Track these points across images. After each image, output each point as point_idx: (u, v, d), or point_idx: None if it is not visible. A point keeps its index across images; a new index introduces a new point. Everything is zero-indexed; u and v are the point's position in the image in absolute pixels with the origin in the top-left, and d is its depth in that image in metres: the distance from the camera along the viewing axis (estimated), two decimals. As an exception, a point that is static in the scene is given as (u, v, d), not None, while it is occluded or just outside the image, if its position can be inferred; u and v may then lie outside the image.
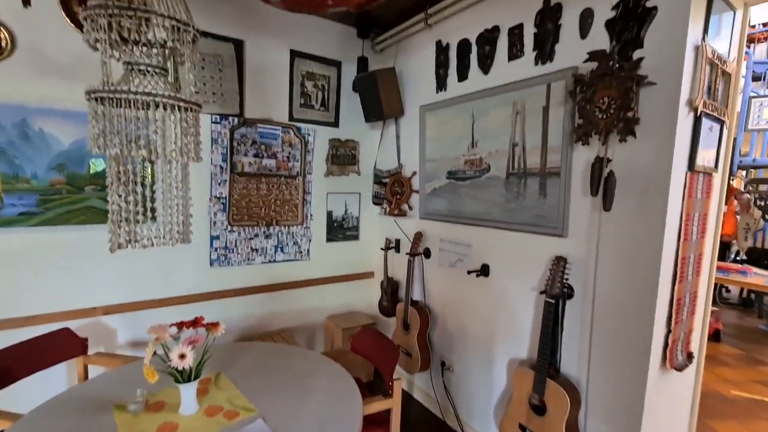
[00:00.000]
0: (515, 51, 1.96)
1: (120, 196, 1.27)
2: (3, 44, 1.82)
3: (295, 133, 2.71)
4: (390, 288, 2.89)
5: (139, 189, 1.28)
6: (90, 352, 1.97)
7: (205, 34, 2.29)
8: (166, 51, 1.37)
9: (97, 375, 1.63)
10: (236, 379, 1.57)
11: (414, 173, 2.71)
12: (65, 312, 2.08)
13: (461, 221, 2.34)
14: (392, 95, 2.65)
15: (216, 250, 2.52)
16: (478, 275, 2.22)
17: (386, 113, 2.64)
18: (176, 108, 1.26)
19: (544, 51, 1.81)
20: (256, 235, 2.66)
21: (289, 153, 2.71)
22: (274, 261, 2.74)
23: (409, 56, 2.70)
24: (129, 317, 2.26)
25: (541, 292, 1.73)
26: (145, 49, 1.30)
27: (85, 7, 1.11)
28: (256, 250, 2.67)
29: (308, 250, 2.87)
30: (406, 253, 2.64)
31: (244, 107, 2.50)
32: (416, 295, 2.72)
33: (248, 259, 2.64)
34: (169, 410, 1.34)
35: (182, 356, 1.24)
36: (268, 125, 2.59)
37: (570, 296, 1.74)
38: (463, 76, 2.28)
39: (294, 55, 2.64)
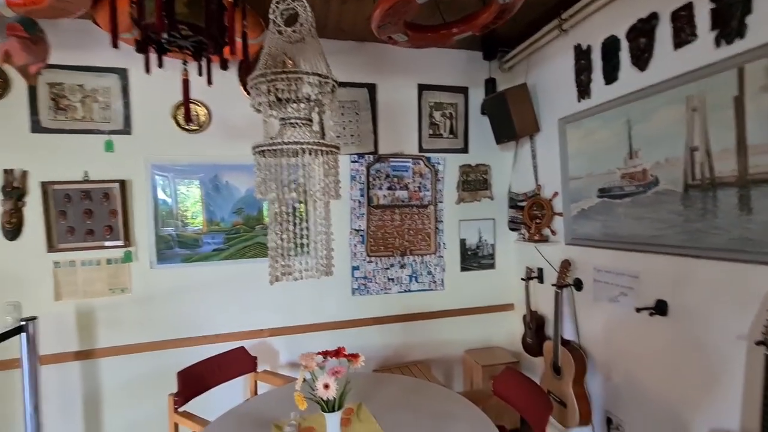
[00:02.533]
0: (684, 36, 1.60)
1: (277, 234, 1.44)
2: (203, 119, 2.35)
3: (425, 164, 2.75)
4: (534, 323, 2.58)
5: (291, 227, 1.43)
6: (259, 369, 2.26)
7: (343, 84, 2.55)
8: (311, 104, 1.55)
9: (262, 393, 1.84)
10: (376, 412, 1.57)
11: (555, 194, 2.42)
12: (240, 332, 2.46)
13: (622, 247, 1.95)
14: (525, 112, 2.47)
15: (357, 279, 2.67)
16: (651, 314, 1.79)
17: (519, 132, 2.46)
18: (319, 152, 1.39)
19: (729, 27, 1.43)
20: (392, 265, 2.73)
21: (420, 183, 2.75)
22: (409, 290, 2.75)
23: (542, 68, 2.49)
24: (288, 339, 2.54)
25: (758, 343, 1.28)
26: (294, 105, 1.49)
27: (250, 78, 1.33)
28: (393, 280, 2.74)
29: (442, 280, 2.81)
30: (552, 284, 2.33)
31: (378, 144, 2.66)
32: (567, 334, 2.36)
33: (385, 288, 2.72)
34: (317, 436, 1.41)
35: (326, 386, 1.29)
36: (399, 158, 2.69)
37: (810, 351, 1.24)
38: (611, 78, 1.97)
39: (421, 88, 2.72)
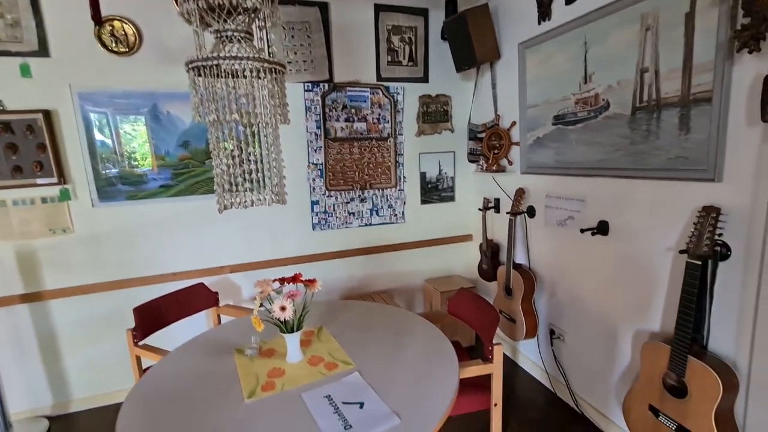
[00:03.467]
0: (645, -52, 1.53)
1: (222, 160, 1.36)
2: (132, 39, 2.09)
3: (383, 93, 2.64)
4: (490, 251, 2.71)
5: (237, 153, 1.35)
6: (221, 304, 2.27)
7: (290, 1, 2.31)
8: (250, 15, 1.40)
9: (223, 324, 1.86)
10: (337, 333, 1.63)
11: (513, 123, 2.42)
12: (200, 270, 2.42)
13: (572, 173, 2.02)
14: (486, 37, 2.37)
15: (317, 214, 2.65)
16: (594, 234, 1.92)
17: (479, 58, 2.38)
18: (262, 71, 1.28)
19: (690, -62, 1.37)
20: (352, 199, 2.72)
21: (379, 114, 2.66)
22: (371, 224, 2.78)
23: (505, -12, 2.36)
24: (250, 275, 2.54)
25: (681, 252, 1.40)
26: (230, 17, 1.33)
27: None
28: (353, 214, 2.74)
29: (403, 213, 2.85)
30: (507, 213, 2.42)
31: (333, 72, 2.51)
32: (519, 258, 2.51)
33: (346, 222, 2.73)
34: (278, 357, 1.46)
35: (282, 308, 1.31)
36: (356, 87, 2.57)
37: (724, 257, 1.38)
38: (573, -4, 1.90)
39: (378, 9, 2.52)
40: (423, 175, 2.87)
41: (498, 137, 2.54)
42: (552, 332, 2.31)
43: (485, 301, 1.75)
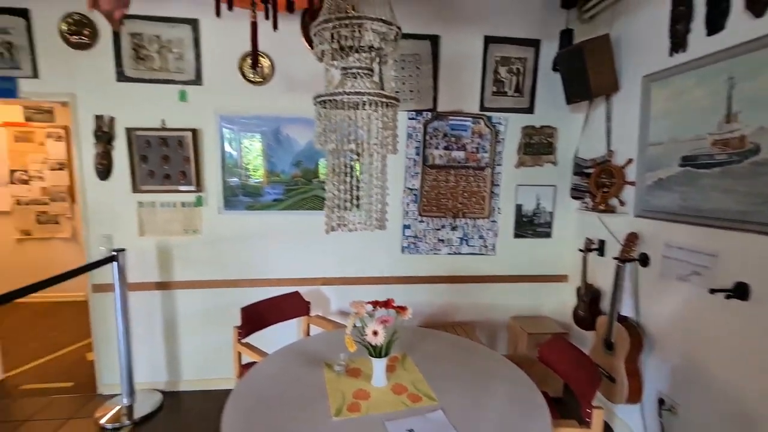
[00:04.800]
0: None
1: (334, 185, 1.48)
2: (267, 71, 2.40)
3: (485, 123, 2.62)
4: (589, 296, 2.48)
5: (348, 179, 1.45)
6: (312, 314, 2.42)
7: (405, 36, 2.45)
8: (373, 53, 1.52)
9: (315, 334, 1.98)
10: (420, 363, 1.63)
11: (629, 161, 2.21)
12: (296, 279, 2.62)
13: (702, 222, 1.77)
14: (603, 68, 2.23)
15: (407, 238, 2.70)
16: (728, 296, 1.64)
17: (594, 90, 2.24)
18: (379, 104, 1.37)
19: None
20: (444, 226, 2.72)
21: (478, 144, 2.64)
22: (459, 253, 2.74)
23: (630, 18, 2.20)
24: (339, 289, 2.68)
25: None
26: (356, 55, 1.46)
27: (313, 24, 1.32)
28: (443, 241, 2.73)
29: (494, 245, 2.76)
30: (614, 258, 2.20)
31: (437, 101, 2.57)
32: (625, 310, 2.24)
33: (435, 249, 2.73)
34: (363, 378, 1.50)
35: (375, 333, 1.35)
36: (458, 117, 2.59)
37: None
38: (716, 26, 1.70)
39: (488, 41, 2.54)
40: (519, 208, 2.75)
41: (609, 174, 2.34)
42: (661, 402, 2.00)
43: (585, 356, 1.60)
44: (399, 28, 1.40)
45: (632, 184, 2.20)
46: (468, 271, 2.76)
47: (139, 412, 2.37)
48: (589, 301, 2.48)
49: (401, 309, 1.50)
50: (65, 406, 2.43)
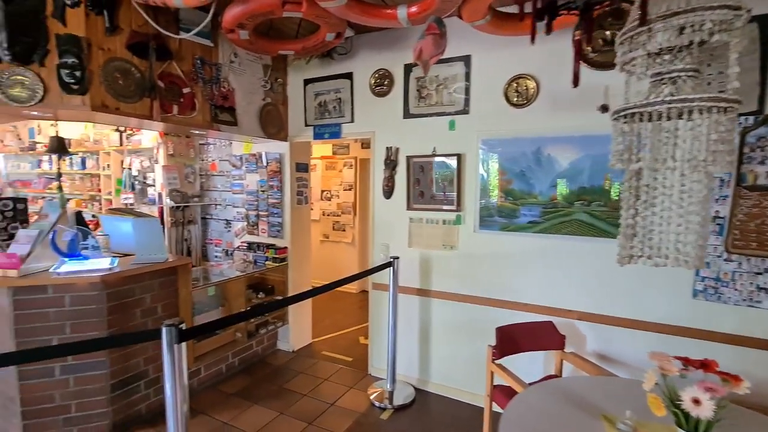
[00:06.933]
0: None
1: (634, 210, 1.28)
2: (531, 92, 2.39)
3: None
4: None
5: (657, 202, 1.23)
6: (566, 349, 2.19)
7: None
8: (694, 51, 1.24)
9: (579, 376, 1.76)
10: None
11: None
12: (546, 307, 2.44)
13: None
14: None
15: (703, 279, 2.09)
16: None
17: None
18: (712, 110, 1.10)
19: None
20: (766, 270, 1.96)
21: None
22: (801, 311, 1.90)
23: None
24: (598, 328, 2.33)
25: None
26: (668, 55, 1.23)
27: (642, 23, 1.17)
28: (765, 290, 1.97)
29: None
30: None
31: (765, 102, 1.91)
32: None
33: (751, 299, 2.00)
34: (662, 449, 1.20)
35: (696, 401, 1.06)
36: (809, 119, 1.83)
37: None
38: None
39: None
40: None
41: None
42: None
43: None
44: (749, 10, 1.09)
45: None
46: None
47: (398, 400, 2.71)
48: None
49: (733, 378, 1.13)
50: (348, 377, 3.06)
